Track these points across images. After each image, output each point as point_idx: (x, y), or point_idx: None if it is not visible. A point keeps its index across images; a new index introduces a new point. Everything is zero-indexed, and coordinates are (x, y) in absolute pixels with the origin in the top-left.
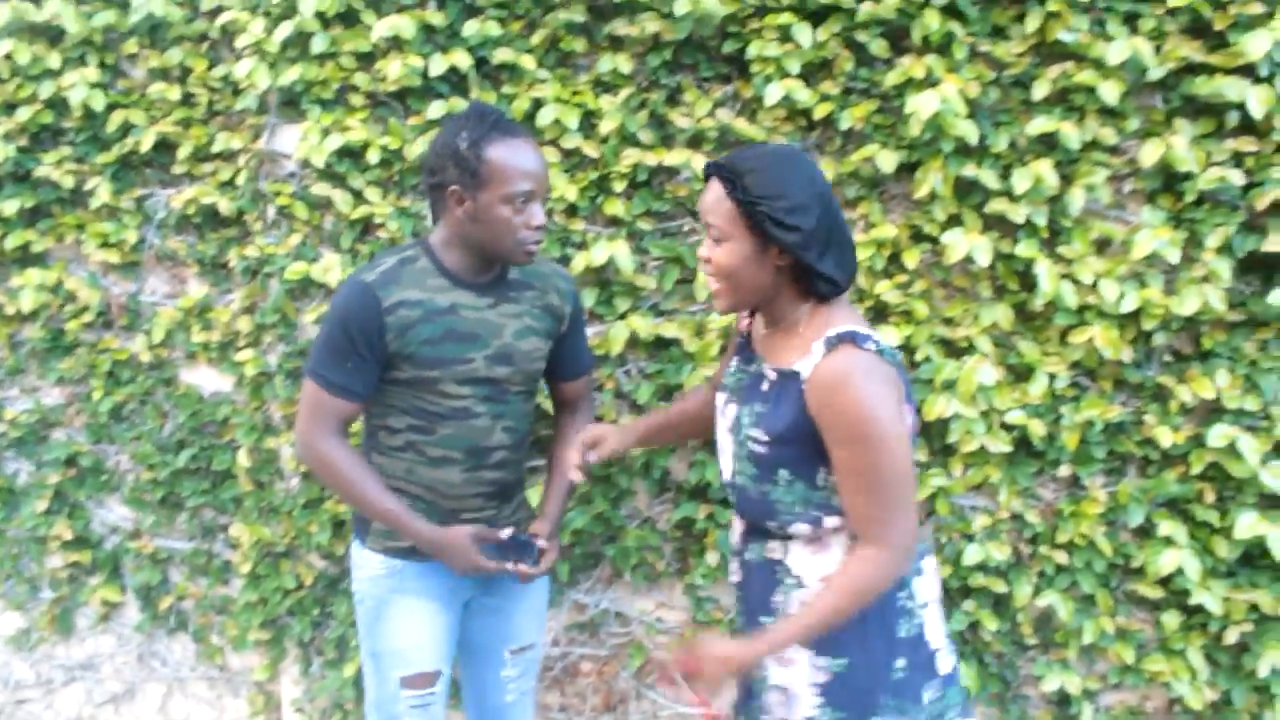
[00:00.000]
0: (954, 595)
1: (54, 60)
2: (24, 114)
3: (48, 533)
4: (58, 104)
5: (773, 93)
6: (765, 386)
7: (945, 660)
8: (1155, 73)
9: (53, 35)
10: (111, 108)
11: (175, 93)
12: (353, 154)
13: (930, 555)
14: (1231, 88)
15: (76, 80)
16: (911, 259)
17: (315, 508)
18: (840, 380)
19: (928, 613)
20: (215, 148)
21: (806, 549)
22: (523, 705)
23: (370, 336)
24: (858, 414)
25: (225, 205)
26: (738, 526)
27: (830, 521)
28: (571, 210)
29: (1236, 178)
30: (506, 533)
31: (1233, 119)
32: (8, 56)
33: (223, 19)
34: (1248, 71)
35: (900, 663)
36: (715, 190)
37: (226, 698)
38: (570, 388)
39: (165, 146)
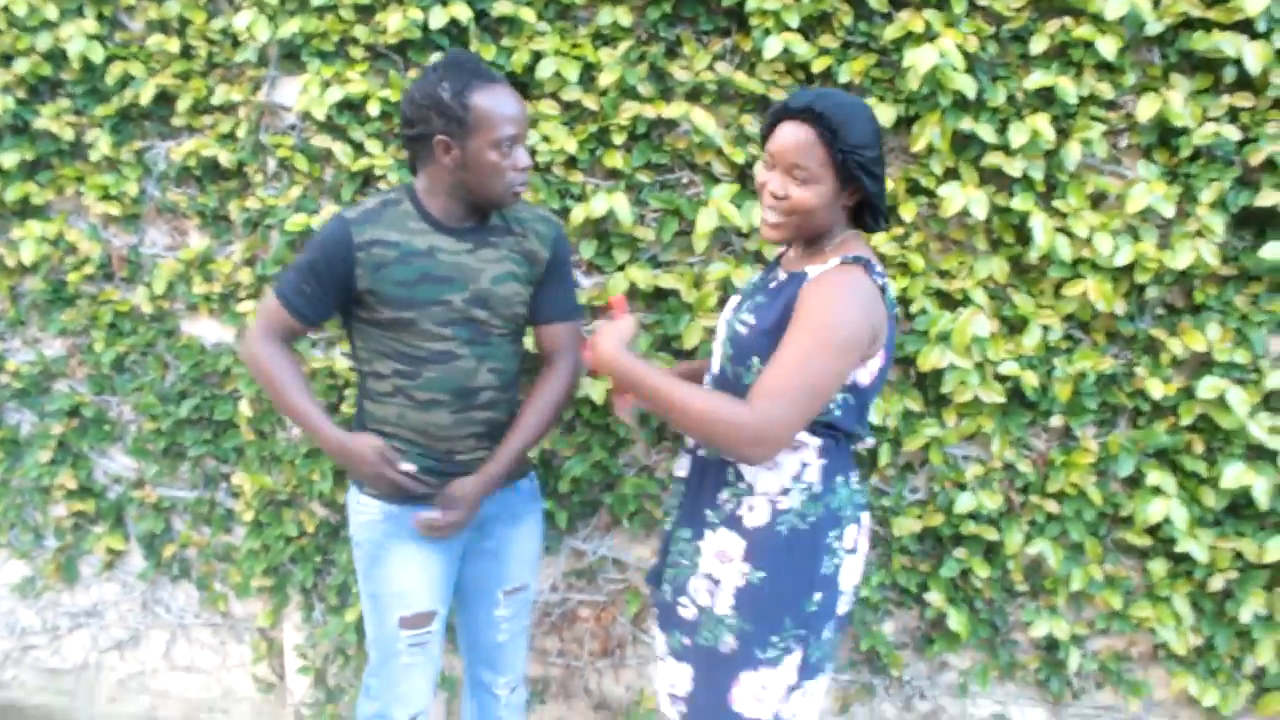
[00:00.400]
0: (946, 543)
1: (51, 12)
2: (22, 66)
3: (51, 482)
4: (56, 56)
5: (772, 46)
6: (773, 285)
7: (844, 605)
8: (1153, 28)
9: None
10: (110, 60)
11: (174, 45)
12: (353, 106)
13: (868, 512)
14: (1229, 43)
15: (74, 32)
16: (909, 212)
17: (317, 456)
18: (830, 283)
19: (850, 559)
20: (215, 100)
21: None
22: (515, 644)
23: (335, 268)
24: (822, 309)
25: (225, 157)
26: None
27: None
28: (571, 162)
29: (1232, 133)
30: (409, 467)
31: (1229, 74)
32: (4, 8)
33: None
34: (1245, 27)
35: (817, 596)
36: (804, 134)
37: (229, 644)
38: (548, 333)
39: (165, 99)
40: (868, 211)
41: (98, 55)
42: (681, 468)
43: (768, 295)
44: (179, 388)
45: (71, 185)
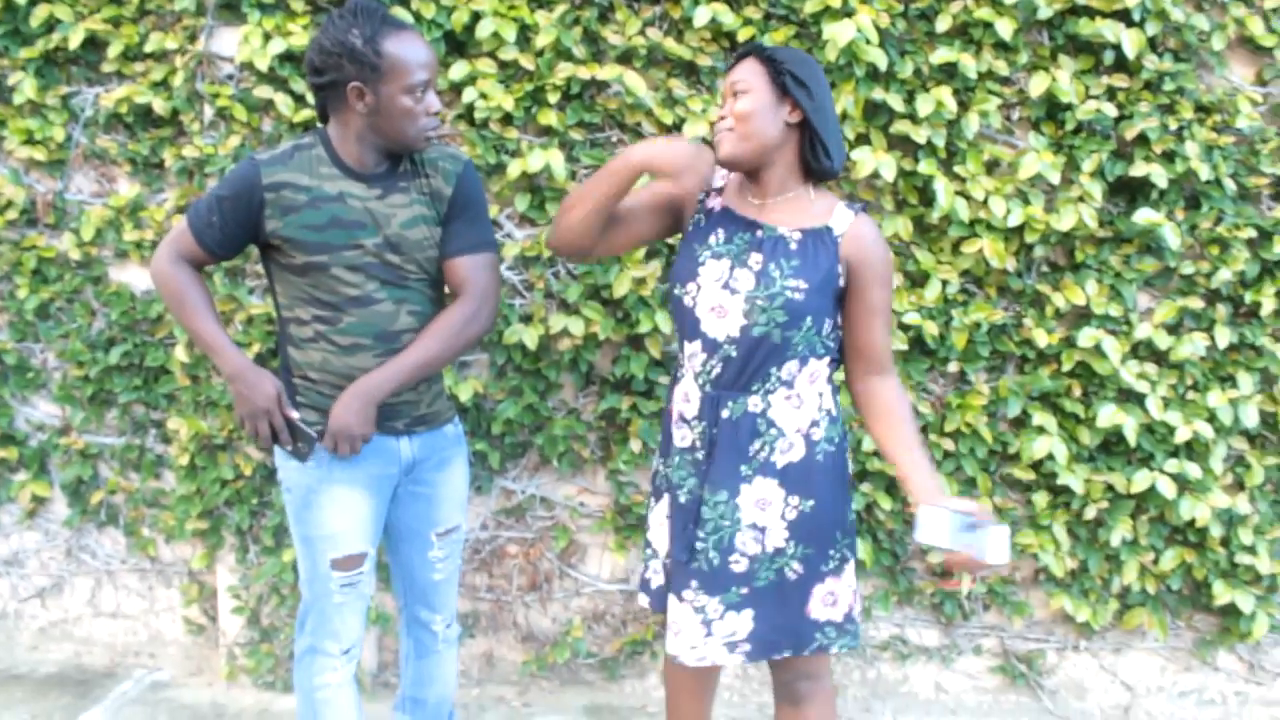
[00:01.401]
0: (854, 479)
1: None
2: None
3: None
4: None
5: (700, 15)
6: (793, 245)
7: None
8: (1044, 12)
9: None
10: (34, 2)
11: None
12: (293, 58)
13: None
14: (1109, 30)
15: None
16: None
17: None
18: (879, 235)
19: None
20: (147, 48)
21: (787, 403)
22: (449, 583)
23: (241, 207)
24: (891, 263)
25: (160, 105)
26: (695, 395)
27: (812, 364)
28: (507, 119)
29: (1110, 110)
30: (295, 415)
31: (1108, 58)
32: None
33: None
34: (1123, 16)
35: (852, 507)
36: (746, 62)
37: (158, 588)
38: (454, 266)
39: (93, 44)
40: (816, 153)
41: None
42: (683, 438)
43: (798, 257)
44: (107, 335)
45: None
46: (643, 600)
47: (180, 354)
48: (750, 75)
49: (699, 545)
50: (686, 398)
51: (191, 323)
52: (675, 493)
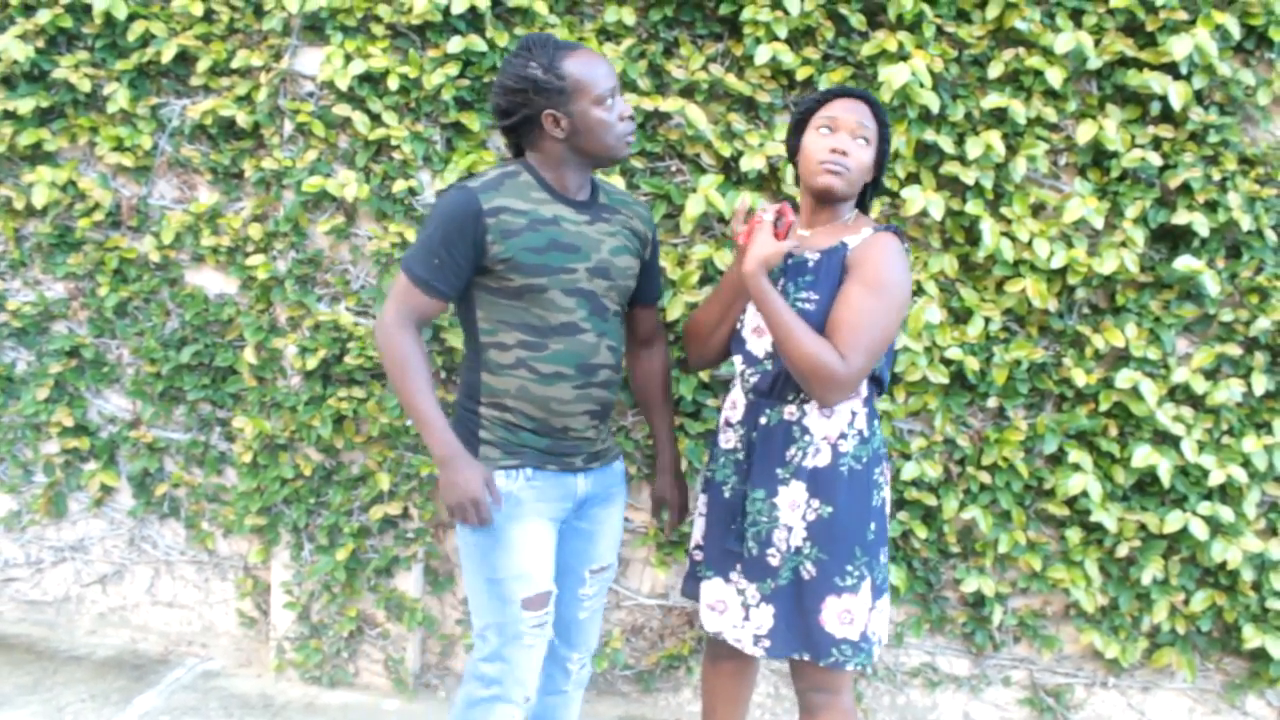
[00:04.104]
0: (891, 507)
1: None
2: (44, 16)
3: (47, 420)
4: (77, 9)
5: (761, 53)
6: (810, 264)
7: (886, 535)
8: (1094, 63)
9: None
10: (132, 17)
11: (198, 8)
12: (372, 79)
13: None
14: (1156, 81)
15: None
16: (874, 210)
17: (318, 404)
18: (883, 245)
19: (886, 494)
20: (234, 64)
21: (818, 413)
22: (593, 620)
23: (466, 234)
24: (883, 271)
25: (243, 118)
26: (740, 402)
27: None
28: None
29: (1154, 159)
30: (499, 494)
31: (1155, 108)
32: None
33: None
34: (1171, 69)
35: (872, 526)
36: (864, 109)
37: (213, 581)
38: (646, 314)
39: (184, 59)
40: (870, 194)
41: (121, 12)
42: (728, 440)
43: (813, 274)
44: (180, 334)
45: (84, 135)
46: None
47: (249, 356)
48: (870, 125)
49: (748, 533)
50: (734, 405)
51: (411, 395)
52: (720, 488)
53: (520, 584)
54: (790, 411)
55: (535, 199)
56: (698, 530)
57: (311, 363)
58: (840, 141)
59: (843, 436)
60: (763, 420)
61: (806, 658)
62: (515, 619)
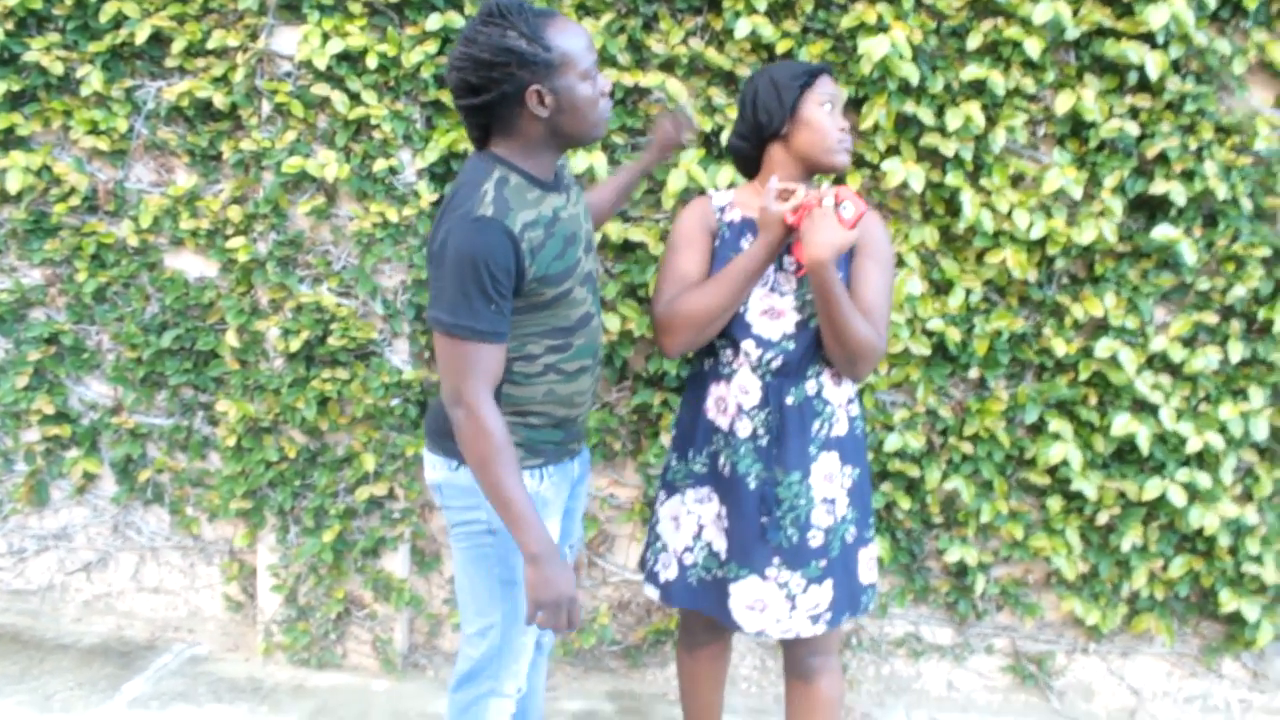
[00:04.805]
0: (874, 478)
1: None
2: None
3: (27, 408)
4: None
5: (741, 27)
6: None
7: None
8: (1071, 33)
9: None
10: None
11: None
12: (350, 58)
13: None
14: (1134, 51)
15: None
16: (854, 182)
17: (301, 386)
18: (878, 222)
19: None
20: (210, 44)
21: (832, 382)
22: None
23: (510, 269)
24: (885, 244)
25: (220, 100)
26: (755, 388)
27: None
28: None
29: (1132, 129)
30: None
31: (1132, 78)
32: None
33: None
34: (1148, 38)
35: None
36: (835, 84)
37: (199, 565)
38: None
39: (158, 40)
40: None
41: None
42: (744, 429)
43: None
44: (160, 319)
45: (58, 119)
46: (650, 592)
47: (231, 339)
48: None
49: (784, 521)
50: (745, 390)
51: (510, 487)
52: (744, 480)
53: None
54: (811, 386)
55: (533, 200)
56: (686, 532)
57: (294, 345)
58: (841, 120)
59: (850, 401)
60: (789, 400)
61: (848, 616)
62: (525, 621)
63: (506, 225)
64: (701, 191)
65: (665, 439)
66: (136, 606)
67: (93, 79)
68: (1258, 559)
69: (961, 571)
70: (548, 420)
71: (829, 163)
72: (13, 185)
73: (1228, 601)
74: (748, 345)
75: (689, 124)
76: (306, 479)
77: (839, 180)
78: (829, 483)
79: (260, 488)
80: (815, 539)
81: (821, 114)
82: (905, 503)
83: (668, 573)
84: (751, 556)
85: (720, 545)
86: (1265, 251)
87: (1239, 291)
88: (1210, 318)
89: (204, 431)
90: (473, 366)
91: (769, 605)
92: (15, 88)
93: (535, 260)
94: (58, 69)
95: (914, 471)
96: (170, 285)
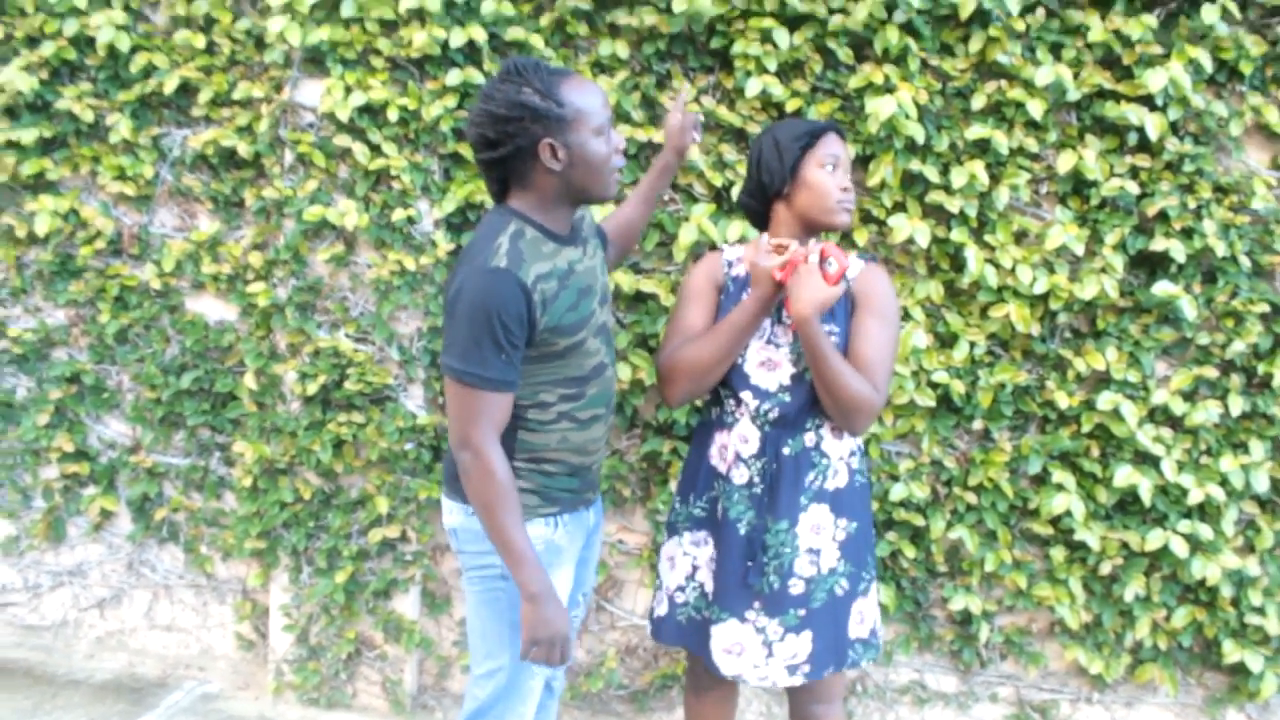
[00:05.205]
0: (879, 527)
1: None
2: (48, 48)
3: (47, 445)
4: (81, 41)
5: (752, 86)
6: None
7: None
8: (1073, 95)
9: None
10: (135, 49)
11: (200, 41)
12: (371, 111)
13: None
14: (1133, 113)
15: (103, 21)
16: (861, 238)
17: (318, 429)
18: (882, 277)
19: None
20: (235, 95)
21: (832, 435)
22: (573, 639)
23: (522, 318)
24: (888, 299)
25: (244, 148)
26: (753, 435)
27: None
28: None
29: (1132, 188)
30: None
31: (1132, 139)
32: None
33: None
34: (1147, 101)
35: (873, 534)
36: (842, 143)
37: (211, 604)
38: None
39: (186, 90)
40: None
41: (124, 44)
42: (740, 476)
43: (830, 308)
44: (180, 360)
45: (86, 164)
46: (649, 630)
47: (249, 381)
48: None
49: (768, 568)
50: (744, 439)
51: (511, 529)
52: (735, 526)
53: None
54: (809, 438)
55: (548, 253)
56: (679, 572)
57: (311, 388)
58: (843, 180)
59: (852, 454)
60: (785, 450)
61: (831, 670)
62: (532, 669)
63: (519, 277)
64: (713, 246)
65: (674, 485)
66: (149, 644)
67: (121, 126)
68: (1260, 610)
69: (966, 620)
70: (563, 468)
71: (828, 222)
72: (41, 228)
73: (1231, 652)
74: (746, 396)
75: (694, 123)
76: (320, 520)
77: (845, 236)
78: (815, 534)
79: (274, 528)
80: (796, 587)
81: (822, 175)
82: (910, 551)
83: (660, 609)
84: (733, 599)
85: (710, 587)
86: (1264, 307)
87: (1238, 346)
88: (1211, 372)
89: (220, 472)
90: (480, 413)
91: (745, 649)
92: (47, 134)
93: (548, 311)
94: (88, 116)
95: (919, 521)
96: (191, 328)
